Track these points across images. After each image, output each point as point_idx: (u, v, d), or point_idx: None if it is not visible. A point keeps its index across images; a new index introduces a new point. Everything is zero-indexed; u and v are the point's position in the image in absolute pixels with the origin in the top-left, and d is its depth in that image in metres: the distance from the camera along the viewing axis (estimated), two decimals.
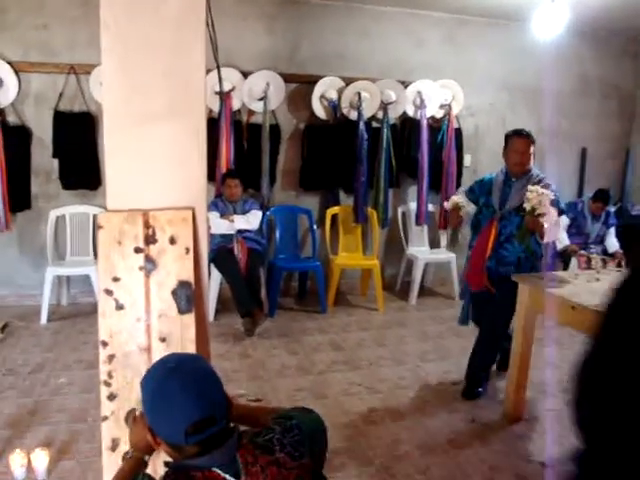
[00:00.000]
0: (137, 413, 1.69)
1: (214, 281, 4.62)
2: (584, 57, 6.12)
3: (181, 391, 1.20)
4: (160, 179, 1.86)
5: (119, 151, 1.84)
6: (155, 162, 1.85)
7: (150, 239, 1.81)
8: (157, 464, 1.66)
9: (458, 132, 5.69)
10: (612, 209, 5.40)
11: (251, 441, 1.27)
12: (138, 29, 1.78)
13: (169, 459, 1.31)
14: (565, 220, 5.31)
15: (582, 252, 4.96)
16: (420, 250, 5.60)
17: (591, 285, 2.97)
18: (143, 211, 1.82)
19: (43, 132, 4.74)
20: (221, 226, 4.58)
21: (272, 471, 1.23)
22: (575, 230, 5.30)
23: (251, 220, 4.70)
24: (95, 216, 4.79)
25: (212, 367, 1.33)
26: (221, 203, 4.71)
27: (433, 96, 5.41)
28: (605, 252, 5.20)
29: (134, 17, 1.78)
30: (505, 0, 5.00)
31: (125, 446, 1.78)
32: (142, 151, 1.84)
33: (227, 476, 1.20)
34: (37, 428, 2.94)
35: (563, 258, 5.24)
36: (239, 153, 4.98)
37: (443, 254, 5.61)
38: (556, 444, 2.97)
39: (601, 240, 5.32)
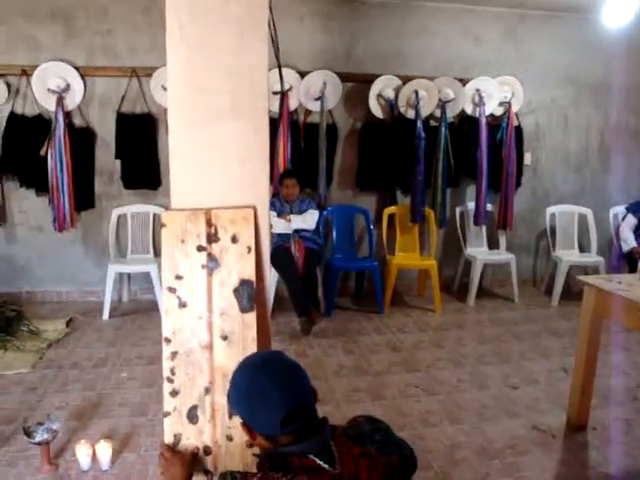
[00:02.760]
0: (167, 452, 1.74)
1: (271, 280, 4.63)
2: None
3: (272, 385, 1.29)
4: (223, 178, 1.88)
5: (183, 150, 1.87)
6: (218, 161, 1.87)
7: (212, 238, 1.83)
8: None
9: (518, 130, 5.54)
10: None
11: (344, 432, 1.34)
12: (202, 30, 1.81)
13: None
14: (632, 220, 5.11)
15: None
16: (478, 250, 5.48)
17: None
18: (205, 210, 1.85)
19: (107, 134, 4.89)
20: (278, 226, 4.61)
21: (363, 462, 1.28)
22: None
23: (308, 220, 4.71)
24: (155, 215, 4.92)
25: (293, 360, 1.40)
26: (278, 203, 4.73)
27: (492, 93, 5.29)
28: None
29: (198, 19, 1.80)
30: None
31: (187, 441, 1.82)
32: (205, 150, 1.86)
33: (322, 463, 1.25)
34: (100, 420, 3.03)
35: (629, 260, 5.04)
36: (296, 153, 5.00)
37: (502, 255, 5.47)
38: (623, 454, 2.84)
39: None
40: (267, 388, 1.28)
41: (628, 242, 5.03)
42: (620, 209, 5.48)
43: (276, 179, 4.84)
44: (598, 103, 5.85)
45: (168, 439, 1.83)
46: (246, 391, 1.33)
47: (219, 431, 1.82)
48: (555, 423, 3.13)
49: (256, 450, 1.43)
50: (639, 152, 6.05)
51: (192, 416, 1.82)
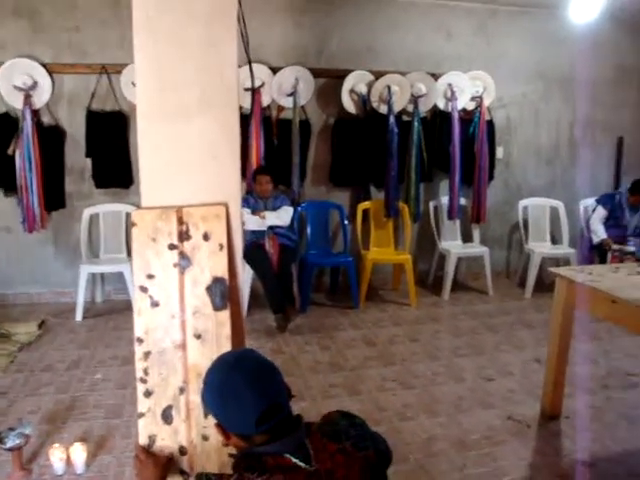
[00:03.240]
0: (141, 455, 1.72)
1: (246, 277, 4.63)
2: (621, 45, 5.95)
3: (246, 384, 1.27)
4: (194, 175, 1.86)
5: (152, 148, 1.84)
6: (188, 158, 1.85)
7: (184, 236, 1.81)
8: None
9: (490, 124, 5.59)
10: None
11: (319, 429, 1.33)
12: (170, 26, 1.78)
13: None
14: (602, 212, 5.20)
15: (616, 250, 4.85)
16: (452, 244, 5.53)
17: (632, 279, 2.88)
18: (177, 208, 1.82)
19: (76, 132, 4.81)
20: (252, 222, 4.59)
21: (339, 458, 1.27)
22: (613, 222, 5.17)
23: (282, 216, 4.70)
24: (128, 214, 4.85)
25: (266, 358, 1.39)
26: (252, 199, 4.71)
27: (464, 88, 5.32)
28: None
29: (166, 14, 1.78)
30: None
31: (162, 442, 1.80)
32: (175, 147, 1.84)
33: (297, 461, 1.24)
34: (74, 423, 2.99)
35: (599, 251, 5.13)
36: (269, 149, 4.97)
37: (476, 248, 5.53)
38: (594, 442, 2.90)
39: None
40: (240, 387, 1.27)
41: (598, 234, 5.11)
42: (590, 201, 5.57)
43: (249, 176, 4.82)
44: (567, 97, 5.94)
45: (143, 440, 1.80)
46: (219, 391, 1.31)
47: (194, 431, 1.80)
48: (530, 413, 3.18)
49: (232, 450, 1.41)
50: (607, 145, 6.17)
51: (167, 416, 1.80)
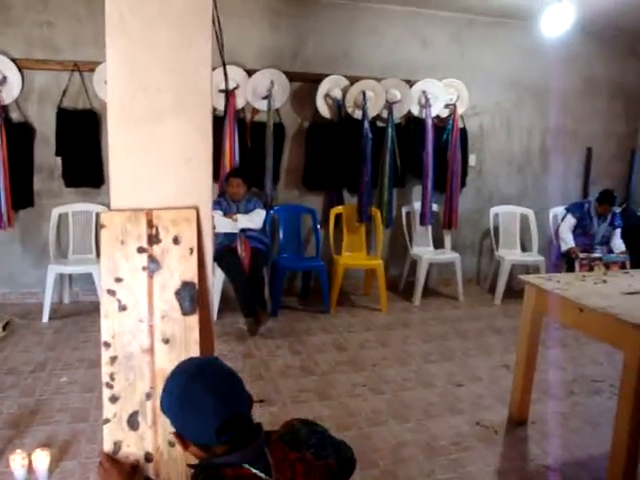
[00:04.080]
0: (106, 463, 1.70)
1: (217, 280, 4.59)
2: (591, 57, 6.07)
3: (207, 393, 1.24)
4: (165, 178, 1.84)
5: (123, 149, 1.81)
6: (160, 160, 1.83)
7: (154, 239, 1.78)
8: None
9: (463, 132, 5.65)
10: (618, 210, 5.36)
11: (279, 438, 1.31)
12: (143, 25, 1.76)
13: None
14: (571, 220, 5.29)
15: (583, 258, 4.96)
16: (424, 250, 5.56)
17: (598, 287, 2.93)
18: (147, 210, 1.80)
19: (46, 129, 4.72)
20: (224, 225, 4.55)
21: (299, 467, 1.26)
22: (581, 231, 5.27)
23: (255, 219, 4.67)
24: (98, 214, 4.77)
25: (229, 367, 1.36)
26: (224, 202, 4.68)
27: (438, 95, 5.38)
28: (611, 252, 5.17)
29: (139, 13, 1.75)
30: (512, 0, 4.96)
31: (127, 448, 1.77)
32: (147, 149, 1.82)
33: (257, 472, 1.22)
34: (38, 428, 2.92)
35: (567, 259, 5.22)
36: (243, 152, 4.94)
37: (447, 254, 5.58)
38: (560, 447, 2.94)
39: (607, 241, 5.29)
40: (201, 396, 1.24)
41: (567, 242, 5.20)
42: (560, 210, 5.67)
43: (222, 178, 4.79)
44: (539, 107, 6.03)
45: (108, 447, 1.77)
46: (179, 399, 1.28)
47: (161, 437, 1.78)
48: (497, 419, 3.21)
49: (191, 459, 1.38)
50: (577, 154, 6.29)
51: (133, 422, 1.78)
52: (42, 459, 2.47)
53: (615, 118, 6.36)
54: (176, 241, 1.79)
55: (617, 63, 6.23)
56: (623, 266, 4.97)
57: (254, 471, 1.22)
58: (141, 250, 1.78)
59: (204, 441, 1.26)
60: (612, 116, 6.34)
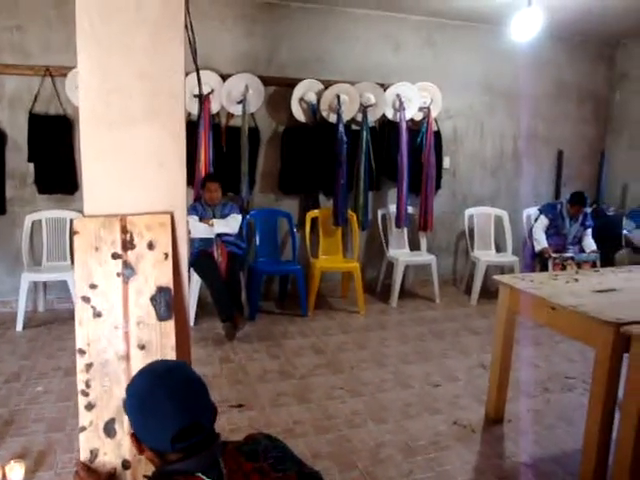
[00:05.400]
0: (82, 472, 1.69)
1: (194, 285, 4.57)
2: (560, 61, 6.20)
3: (169, 399, 1.22)
4: (138, 183, 1.83)
5: (96, 154, 1.81)
6: (133, 166, 1.82)
7: (128, 245, 1.78)
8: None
9: (437, 135, 5.72)
10: (589, 210, 5.47)
11: (236, 448, 1.28)
12: (115, 30, 1.76)
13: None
14: (544, 220, 5.38)
15: (556, 257, 5.05)
16: (400, 252, 5.60)
17: (570, 286, 2.99)
18: (121, 216, 1.79)
19: (18, 135, 4.65)
20: (200, 230, 4.54)
21: (255, 478, 1.23)
22: (554, 231, 5.36)
23: (231, 224, 4.66)
24: (72, 221, 4.71)
25: (198, 374, 1.33)
26: (200, 207, 4.66)
27: (412, 99, 5.43)
28: (582, 252, 5.27)
29: (110, 18, 1.75)
30: (482, 4, 5.03)
31: (104, 456, 1.75)
32: (120, 154, 1.81)
33: None
34: (13, 439, 2.87)
35: (541, 259, 5.30)
36: (218, 156, 4.94)
37: (423, 256, 5.62)
38: (534, 444, 2.99)
39: (579, 240, 5.39)
40: (162, 401, 1.22)
41: (540, 242, 5.28)
42: (533, 210, 5.76)
43: (198, 183, 4.77)
44: (511, 111, 6.13)
45: (84, 455, 1.76)
46: (140, 400, 1.25)
47: None
48: (474, 418, 3.25)
49: (148, 471, 1.36)
50: (548, 157, 6.40)
51: (109, 430, 1.77)
52: (17, 471, 2.44)
53: (585, 122, 6.50)
54: (151, 246, 1.79)
55: (586, 68, 6.38)
56: (594, 265, 5.08)
57: None
58: (115, 256, 1.77)
59: (159, 447, 1.24)
60: (582, 120, 6.48)
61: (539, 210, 5.54)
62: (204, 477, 1.20)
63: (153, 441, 1.24)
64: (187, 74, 1.90)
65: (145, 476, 1.31)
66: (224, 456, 1.25)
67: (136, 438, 1.28)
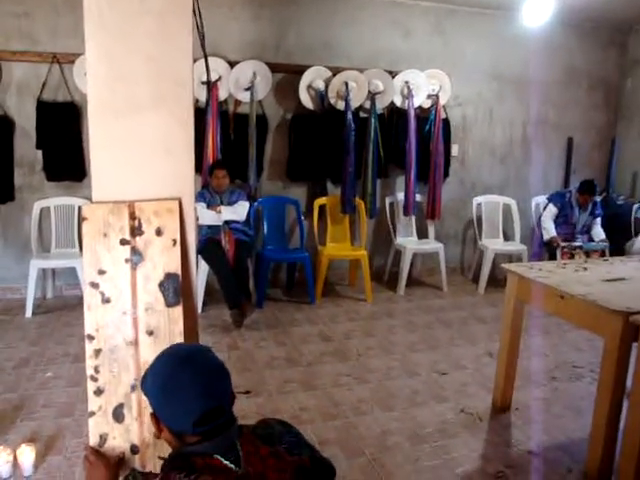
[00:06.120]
0: (91, 456, 1.69)
1: (202, 273, 4.59)
2: (571, 48, 6.13)
3: (193, 382, 1.23)
4: (146, 170, 1.83)
5: (104, 141, 1.80)
6: (141, 152, 1.82)
7: (136, 231, 1.78)
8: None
9: (446, 122, 5.68)
10: (598, 199, 5.43)
11: (252, 432, 1.30)
12: (123, 16, 1.75)
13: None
14: (553, 209, 5.34)
15: (564, 246, 5.03)
16: (408, 240, 5.59)
17: (579, 274, 2.98)
18: (129, 202, 1.79)
19: (26, 122, 4.66)
20: (208, 217, 4.54)
21: (270, 461, 1.25)
22: (562, 220, 5.32)
23: (238, 211, 4.66)
24: (80, 208, 4.72)
25: (220, 359, 1.34)
26: (208, 194, 4.66)
27: (421, 86, 5.39)
28: (591, 241, 5.24)
29: (118, 4, 1.74)
30: None
31: (113, 441, 1.77)
32: (128, 141, 1.81)
33: (227, 463, 1.21)
34: (23, 424, 2.90)
35: (549, 248, 5.27)
36: (226, 143, 4.93)
37: (431, 244, 5.61)
38: (541, 432, 2.99)
39: (588, 229, 5.35)
40: (187, 384, 1.23)
41: (549, 231, 5.25)
42: (541, 199, 5.73)
43: (205, 170, 4.77)
44: (521, 98, 6.07)
45: (94, 440, 1.77)
46: (164, 381, 1.26)
47: (146, 429, 1.78)
48: (482, 406, 3.25)
49: (164, 453, 1.37)
50: (558, 144, 6.34)
51: (118, 415, 1.78)
52: (27, 454, 2.46)
53: (595, 108, 6.43)
54: (159, 233, 1.79)
55: (596, 55, 6.30)
56: (603, 254, 5.04)
57: (224, 462, 1.21)
58: (124, 242, 1.77)
59: (179, 428, 1.25)
60: (592, 106, 6.41)
61: (547, 199, 5.51)
62: (222, 459, 1.21)
63: (174, 423, 1.26)
64: (195, 60, 1.89)
65: (161, 457, 1.33)
66: (241, 439, 1.26)
67: (156, 418, 1.30)
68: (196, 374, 1.25)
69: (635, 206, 5.63)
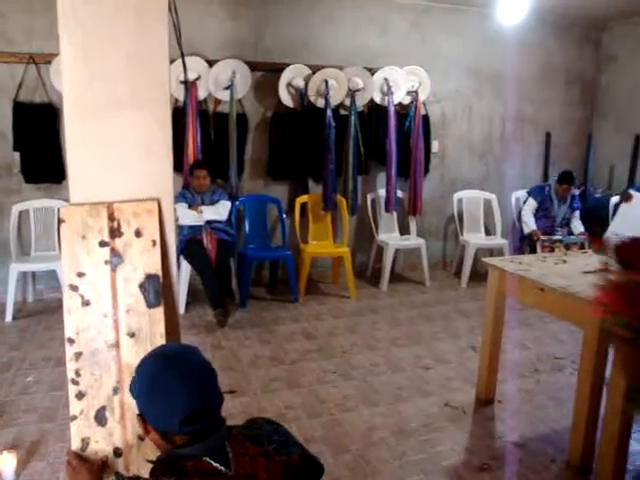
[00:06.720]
0: (73, 461, 1.68)
1: (184, 273, 4.56)
2: (548, 44, 6.19)
3: (180, 382, 1.23)
4: (124, 170, 1.81)
5: (81, 142, 1.79)
6: (119, 153, 1.80)
7: (115, 232, 1.77)
8: None
9: (425, 118, 5.70)
10: (576, 192, 5.50)
11: (241, 433, 1.29)
12: (97, 15, 1.73)
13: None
14: (533, 203, 5.40)
15: (545, 240, 5.09)
16: (390, 236, 5.61)
17: (559, 267, 3.01)
18: (107, 204, 1.78)
19: (2, 124, 4.59)
20: (190, 217, 4.52)
21: (260, 462, 1.24)
22: (542, 214, 5.38)
23: (220, 210, 4.65)
24: (60, 210, 4.67)
25: (207, 360, 1.34)
26: (189, 194, 4.64)
27: (400, 83, 5.40)
28: (571, 234, 5.31)
29: (92, 3, 1.72)
30: None
31: (96, 444, 1.75)
32: (105, 141, 1.79)
33: (217, 465, 1.21)
34: (4, 430, 2.86)
35: (530, 241, 5.33)
36: (206, 143, 4.91)
37: (413, 240, 5.63)
38: (524, 423, 3.03)
39: (567, 223, 5.42)
40: (174, 383, 1.22)
41: (529, 224, 5.31)
42: (521, 193, 5.78)
43: (186, 170, 4.74)
44: (499, 94, 6.12)
45: (76, 444, 1.76)
46: (151, 382, 1.26)
47: (130, 431, 1.77)
48: (466, 399, 3.28)
49: (151, 455, 1.36)
50: (536, 140, 6.41)
51: (100, 418, 1.76)
52: (8, 461, 2.43)
53: (572, 104, 6.51)
54: (138, 234, 1.77)
55: (572, 51, 6.39)
56: (582, 247, 5.11)
57: (214, 464, 1.20)
58: (103, 244, 1.76)
59: (166, 428, 1.24)
60: (569, 102, 6.49)
61: (527, 193, 5.57)
62: (212, 462, 1.21)
63: (161, 422, 1.25)
64: (173, 60, 1.88)
65: (149, 460, 1.32)
66: (230, 441, 1.26)
67: (143, 419, 1.29)
68: (183, 373, 1.24)
69: (612, 199, 5.70)
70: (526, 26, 5.30)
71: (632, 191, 4.81)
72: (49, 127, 4.65)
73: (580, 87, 6.51)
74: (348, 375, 3.58)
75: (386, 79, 5.35)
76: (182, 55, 2.22)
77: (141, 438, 1.76)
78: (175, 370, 1.24)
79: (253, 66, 5.05)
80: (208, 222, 4.57)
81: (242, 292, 4.84)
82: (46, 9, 4.43)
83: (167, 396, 1.23)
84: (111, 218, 1.76)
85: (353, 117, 5.23)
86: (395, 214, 5.68)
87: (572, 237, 5.25)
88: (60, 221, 1.76)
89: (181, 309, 4.51)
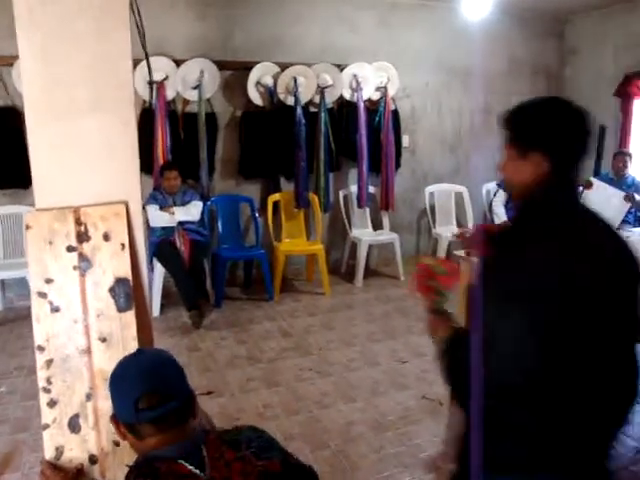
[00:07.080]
0: (47, 471, 1.66)
1: (158, 275, 4.52)
2: (513, 38, 6.27)
3: (135, 368, 1.27)
4: (90, 174, 1.78)
5: (44, 146, 1.75)
6: (83, 156, 1.77)
7: (83, 237, 1.74)
8: None
9: (395, 113, 5.73)
10: None
11: (219, 437, 1.29)
12: (56, 16, 1.69)
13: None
14: (503, 194, 5.46)
15: None
16: (363, 232, 5.63)
17: None
18: (74, 208, 1.75)
19: None
20: (161, 219, 4.48)
21: (236, 466, 1.23)
22: (513, 204, 5.43)
23: (192, 211, 4.61)
24: None
25: (175, 359, 1.36)
26: (160, 195, 4.60)
27: (369, 79, 5.42)
28: None
29: (51, 3, 1.69)
30: None
31: (70, 452, 1.73)
32: (69, 145, 1.76)
33: (192, 468, 1.20)
34: None
35: None
36: (176, 143, 4.86)
37: (386, 235, 5.66)
38: None
39: None
40: (128, 370, 1.27)
41: (500, 216, 5.37)
42: (492, 185, 5.85)
43: (156, 171, 4.70)
44: (467, 87, 6.18)
45: (50, 453, 1.73)
46: (113, 376, 1.30)
47: (104, 437, 1.75)
48: (442, 391, 3.26)
49: (129, 461, 1.35)
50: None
51: (74, 425, 1.74)
52: None
53: (538, 96, 6.55)
54: (106, 237, 1.75)
55: (537, 44, 6.47)
56: None
57: (189, 467, 1.19)
58: (70, 249, 1.73)
59: (126, 418, 1.24)
60: (535, 94, 6.30)
61: (497, 185, 5.63)
62: (186, 464, 1.20)
63: (120, 412, 1.26)
64: (139, 61, 1.85)
65: (127, 466, 1.30)
66: (206, 444, 1.25)
67: (115, 419, 1.30)
68: (141, 364, 1.28)
69: (579, 188, 5.79)
70: (492, 20, 5.34)
71: (592, 179, 4.91)
72: (13, 131, 4.55)
73: (546, 79, 6.60)
74: (325, 372, 3.59)
75: (355, 75, 5.37)
76: (146, 55, 2.20)
77: (117, 444, 1.74)
78: (134, 362, 1.30)
79: (221, 65, 5.01)
80: (180, 223, 4.54)
81: (217, 292, 4.81)
82: (4, 9, 4.28)
83: (121, 381, 1.27)
84: (78, 222, 1.73)
85: (323, 114, 5.24)
86: (368, 210, 5.70)
87: None
88: (26, 227, 1.73)
89: (155, 312, 4.47)
